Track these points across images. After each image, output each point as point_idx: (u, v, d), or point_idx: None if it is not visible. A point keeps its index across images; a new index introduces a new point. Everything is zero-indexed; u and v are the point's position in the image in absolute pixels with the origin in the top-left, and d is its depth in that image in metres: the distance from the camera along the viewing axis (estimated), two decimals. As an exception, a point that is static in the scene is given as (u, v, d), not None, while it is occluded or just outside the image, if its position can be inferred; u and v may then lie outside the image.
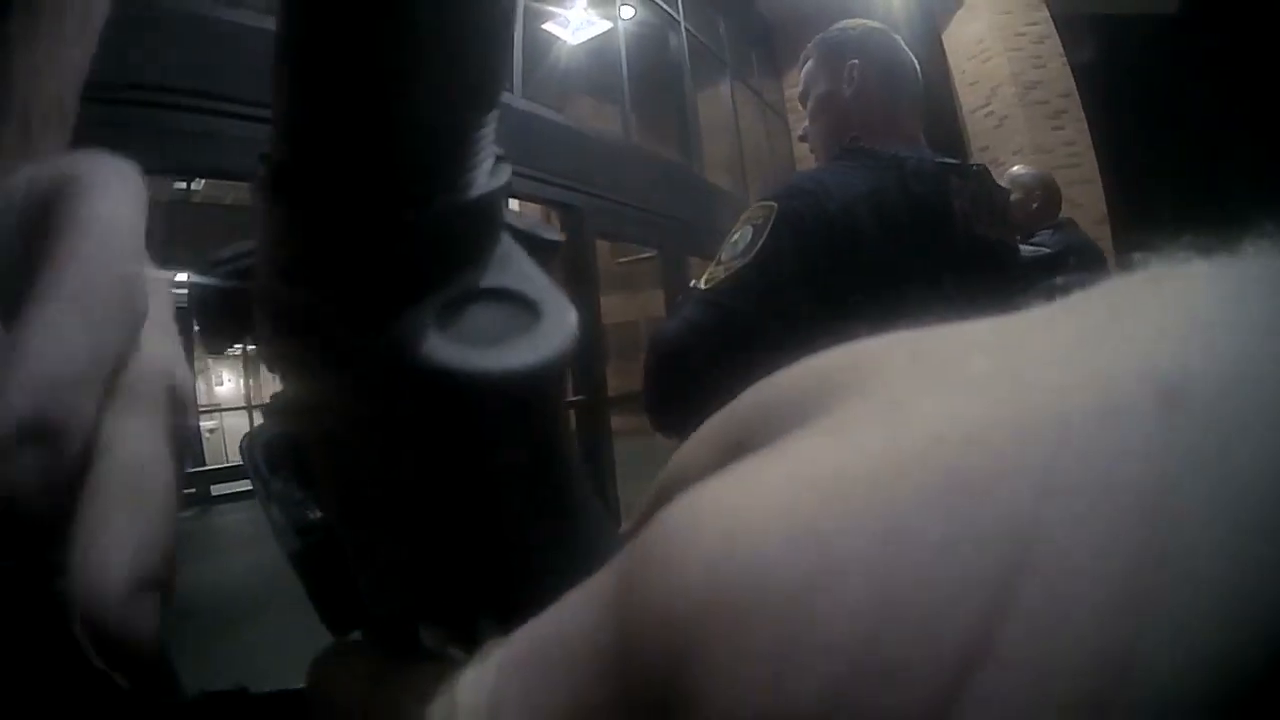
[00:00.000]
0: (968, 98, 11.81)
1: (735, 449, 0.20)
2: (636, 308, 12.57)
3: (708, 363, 1.50)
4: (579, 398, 6.86)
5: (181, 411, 0.34)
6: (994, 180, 1.84)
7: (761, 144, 12.04)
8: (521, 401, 0.27)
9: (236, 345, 0.33)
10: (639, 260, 11.30)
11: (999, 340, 0.17)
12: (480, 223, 0.29)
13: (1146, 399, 0.13)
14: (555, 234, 0.36)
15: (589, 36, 9.18)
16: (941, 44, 11.79)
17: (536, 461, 0.29)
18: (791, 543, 0.14)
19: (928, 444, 0.14)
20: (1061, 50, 11.46)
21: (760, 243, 1.50)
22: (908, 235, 1.56)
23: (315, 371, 0.30)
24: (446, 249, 0.28)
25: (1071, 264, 2.99)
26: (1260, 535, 0.12)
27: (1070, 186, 11.06)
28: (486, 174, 0.29)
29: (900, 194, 1.57)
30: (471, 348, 0.25)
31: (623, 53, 8.73)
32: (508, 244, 0.31)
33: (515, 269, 0.29)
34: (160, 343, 0.35)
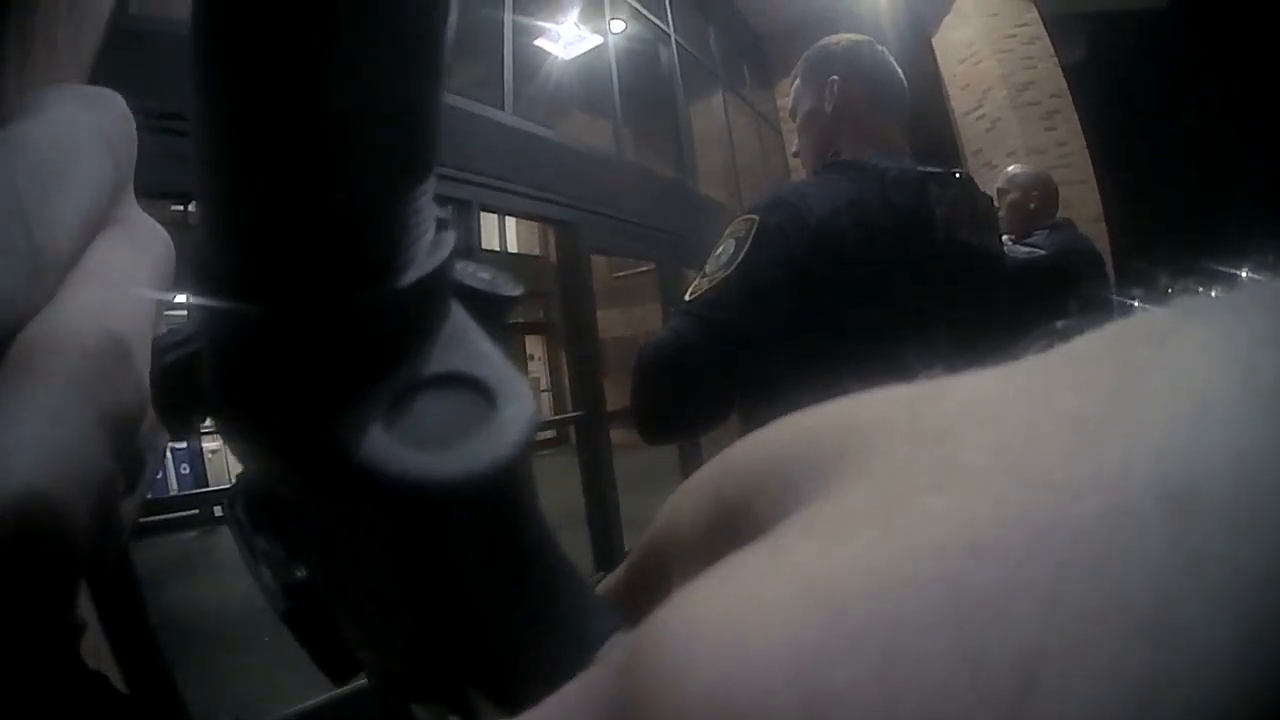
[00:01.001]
0: (959, 102, 11.84)
1: (728, 515, 0.21)
2: (634, 322, 12.53)
3: (692, 374, 1.51)
4: (578, 413, 6.90)
5: (122, 369, 0.32)
6: (977, 187, 1.85)
7: (755, 155, 12.07)
8: (479, 505, 0.26)
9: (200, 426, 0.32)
10: (636, 274, 11.29)
11: (1001, 413, 0.16)
12: (423, 304, 0.28)
13: (1155, 504, 0.13)
14: (512, 287, 0.35)
15: (580, 52, 9.18)
16: (932, 49, 11.83)
17: (501, 554, 0.29)
18: (793, 667, 0.13)
19: (931, 554, 0.14)
20: (1052, 51, 11.47)
21: (742, 255, 1.52)
22: (889, 244, 1.57)
23: (268, 465, 0.29)
24: (387, 337, 0.27)
25: (1069, 268, 2.98)
26: (1268, 646, 0.12)
27: (1064, 187, 11.02)
28: (427, 249, 0.28)
29: (881, 204, 1.58)
30: (421, 450, 0.25)
31: (614, 67, 8.73)
32: (458, 317, 0.30)
33: (467, 347, 0.29)
34: (87, 294, 0.32)
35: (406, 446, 0.25)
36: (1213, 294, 0.17)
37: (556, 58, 9.05)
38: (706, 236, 1.58)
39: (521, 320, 17.74)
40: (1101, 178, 11.16)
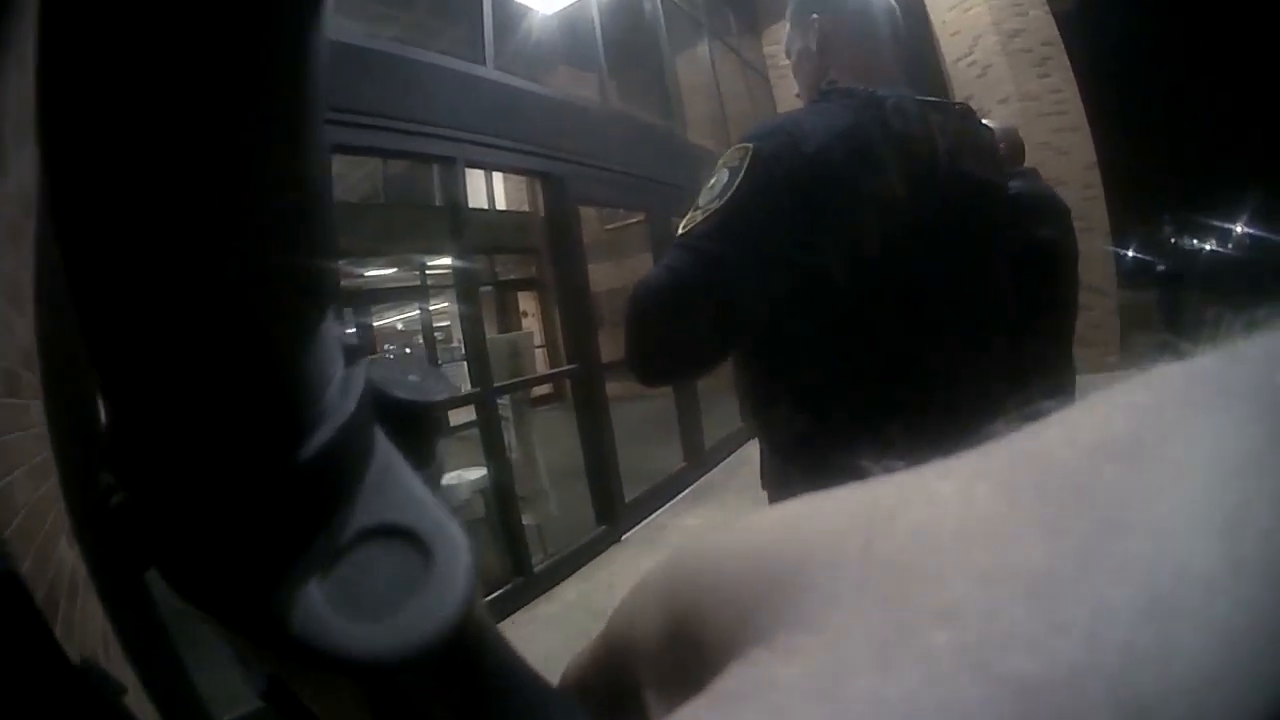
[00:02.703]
0: (950, 48, 11.79)
1: (683, 632, 0.21)
2: (627, 274, 12.46)
3: (688, 308, 1.45)
4: (572, 367, 6.86)
5: None
6: (978, 119, 1.80)
7: (744, 102, 11.94)
8: (428, 669, 0.25)
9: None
10: (627, 226, 11.31)
11: (959, 559, 0.15)
12: (344, 456, 0.27)
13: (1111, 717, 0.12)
14: (442, 389, 0.36)
15: (562, 5, 9.09)
16: (920, -4, 11.72)
17: (464, 700, 0.28)
18: None
19: None
20: (1042, -3, 11.40)
21: (735, 184, 1.45)
22: (889, 172, 1.50)
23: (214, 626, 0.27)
24: (313, 498, 0.26)
25: (1026, 212, 2.93)
26: None
27: (1058, 134, 11.36)
28: (338, 392, 0.28)
29: (880, 130, 1.52)
30: (360, 619, 0.24)
31: (597, 19, 8.66)
32: (384, 452, 0.30)
33: (397, 490, 0.28)
34: None
35: (345, 615, 0.24)
36: (1203, 370, 0.17)
37: (539, 12, 8.95)
38: (696, 184, 1.52)
39: (514, 277, 17.68)
40: (1095, 125, 11.22)
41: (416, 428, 0.34)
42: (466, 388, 5.80)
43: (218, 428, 0.24)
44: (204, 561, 0.26)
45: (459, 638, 0.25)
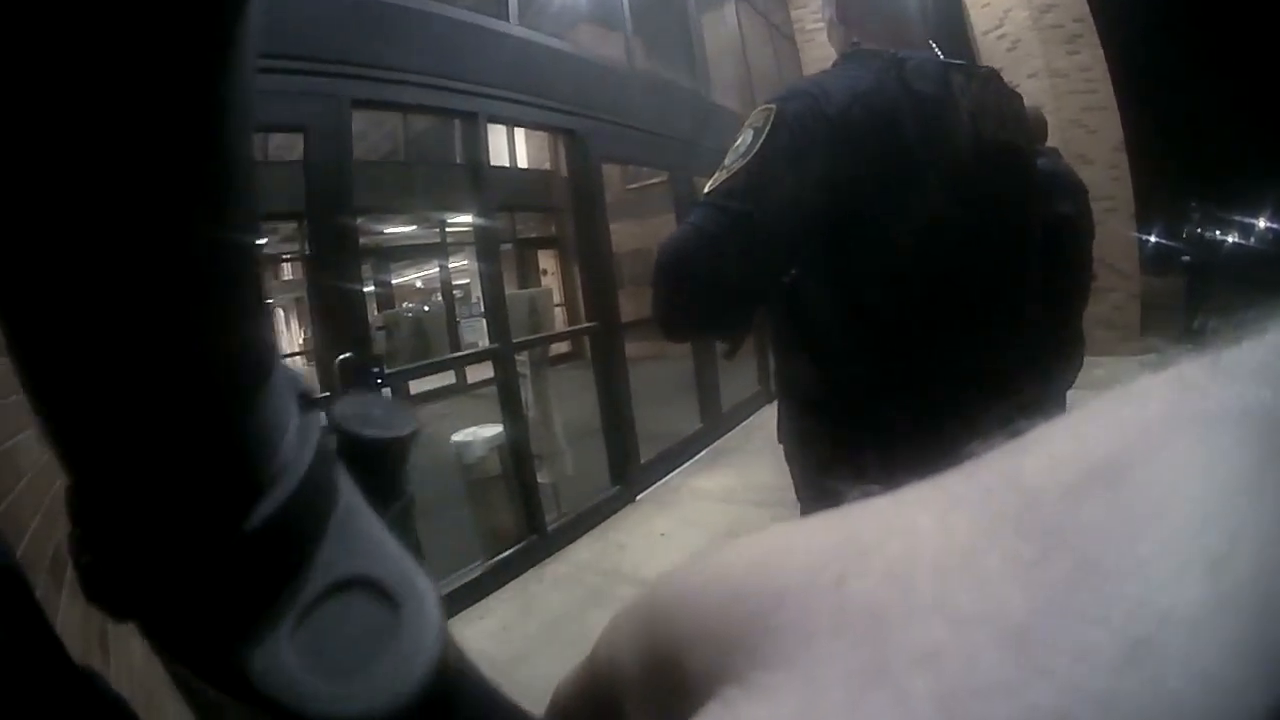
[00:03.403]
0: (980, 20, 11.66)
1: (665, 665, 0.20)
2: (649, 234, 12.38)
3: (711, 265, 1.48)
4: (592, 324, 6.84)
5: None
6: (1005, 84, 1.78)
7: (769, 64, 11.80)
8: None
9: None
10: (649, 186, 11.29)
11: (937, 599, 0.15)
12: (305, 507, 0.27)
13: None
14: (405, 424, 0.36)
15: (588, -37, 9.03)
16: (953, -34, 11.63)
17: None
18: None
19: None
20: (1077, -26, 11.25)
21: (759, 144, 1.48)
22: (910, 133, 1.51)
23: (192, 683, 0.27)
24: (276, 553, 0.26)
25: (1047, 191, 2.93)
26: None
27: (1087, 112, 11.29)
28: (294, 442, 0.28)
29: (901, 91, 1.53)
30: (330, 679, 0.24)
31: (624, -23, 8.53)
32: (346, 498, 0.30)
33: (362, 539, 0.28)
34: None
35: (316, 673, 0.24)
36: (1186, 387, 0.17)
37: (564, -31, 8.90)
38: (721, 145, 1.55)
39: (534, 235, 17.66)
40: (1123, 106, 11.15)
41: (382, 464, 0.34)
42: (485, 343, 5.78)
43: (171, 492, 0.25)
44: (172, 617, 0.26)
45: (432, 692, 0.25)
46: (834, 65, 1.71)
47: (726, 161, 1.52)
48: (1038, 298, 1.76)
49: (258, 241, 0.25)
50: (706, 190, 1.53)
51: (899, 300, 1.52)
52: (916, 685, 0.13)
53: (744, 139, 1.52)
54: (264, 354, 0.27)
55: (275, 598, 0.26)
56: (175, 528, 0.25)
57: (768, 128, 1.49)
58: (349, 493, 0.30)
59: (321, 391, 3.28)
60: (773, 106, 1.51)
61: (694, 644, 0.19)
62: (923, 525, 0.16)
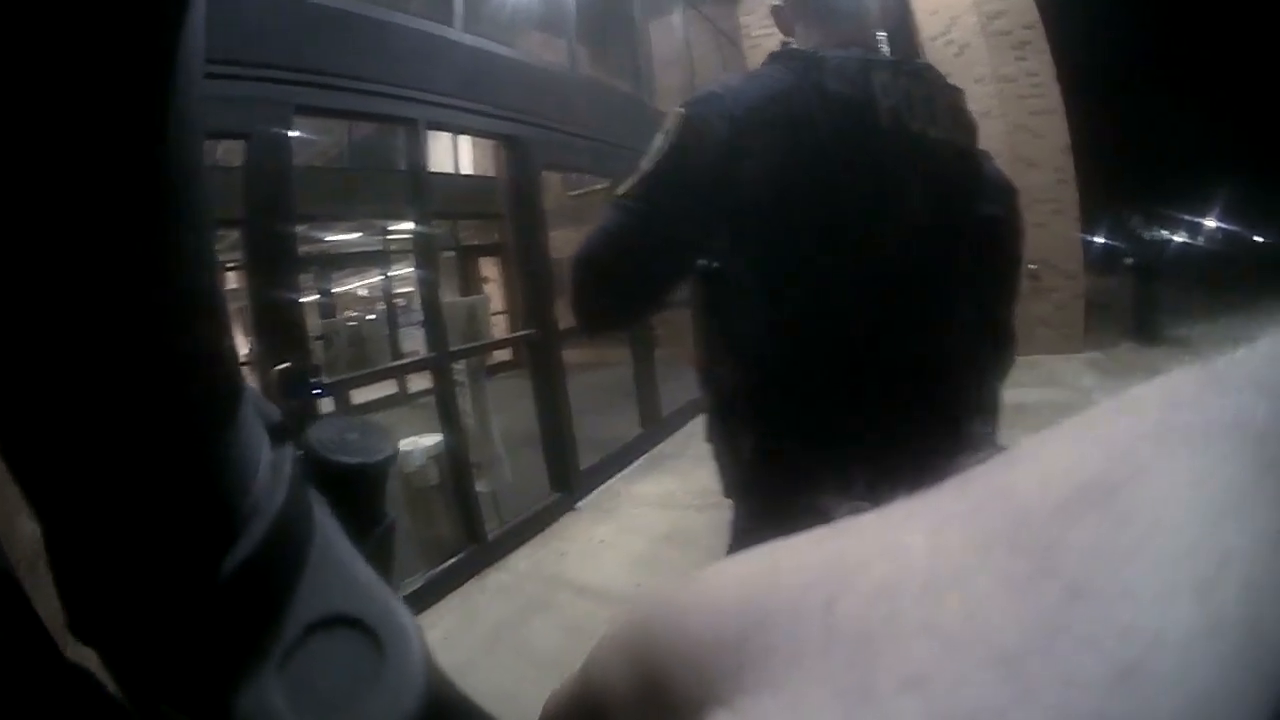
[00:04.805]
0: (927, 26, 11.81)
1: (653, 688, 0.20)
2: (587, 239, 12.01)
3: (620, 262, 1.55)
4: (530, 332, 6.81)
5: None
6: (941, 79, 1.77)
7: (716, 71, 11.76)
8: None
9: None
10: (591, 192, 11.28)
11: (925, 621, 0.15)
12: (278, 556, 0.26)
13: None
14: (384, 446, 0.36)
15: (537, -32, 9.01)
16: (899, -28, 11.76)
17: None
18: None
19: None
20: (1028, -19, 11.41)
21: (667, 146, 1.53)
22: (824, 132, 1.54)
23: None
24: (250, 601, 0.25)
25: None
26: None
27: (1034, 116, 11.49)
28: (267, 480, 0.27)
29: (815, 92, 1.55)
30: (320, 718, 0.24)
31: (570, -18, 8.52)
32: (324, 532, 0.29)
33: (338, 574, 0.28)
34: None
35: (305, 713, 0.24)
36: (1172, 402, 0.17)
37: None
38: None
39: (477, 242, 17.54)
40: (1071, 110, 11.34)
41: (361, 490, 0.34)
42: (423, 352, 5.76)
43: (143, 540, 0.24)
44: (156, 661, 0.25)
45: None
46: (760, 66, 1.71)
47: (641, 164, 1.56)
48: (968, 295, 1.78)
49: (218, 258, 0.25)
50: (619, 193, 1.57)
51: (816, 296, 1.54)
52: (904, 708, 0.13)
53: (656, 143, 1.56)
54: (231, 384, 0.26)
55: (257, 640, 0.25)
56: (150, 575, 0.24)
57: (675, 130, 1.53)
58: (326, 525, 0.29)
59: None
60: (682, 110, 1.55)
61: (682, 666, 0.19)
62: (912, 544, 0.16)
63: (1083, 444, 0.16)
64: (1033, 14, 11.37)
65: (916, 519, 0.17)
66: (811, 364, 1.55)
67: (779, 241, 1.53)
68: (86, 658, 0.29)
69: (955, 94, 1.78)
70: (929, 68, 1.76)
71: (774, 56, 1.68)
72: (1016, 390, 2.96)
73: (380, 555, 0.33)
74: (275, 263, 4.42)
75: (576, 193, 13.00)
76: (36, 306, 0.20)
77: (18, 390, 0.21)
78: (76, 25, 0.18)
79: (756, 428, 1.63)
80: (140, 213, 0.21)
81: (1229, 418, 0.15)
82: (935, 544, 0.16)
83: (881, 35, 1.80)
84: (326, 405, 4.82)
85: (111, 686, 0.31)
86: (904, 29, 11.57)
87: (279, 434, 0.29)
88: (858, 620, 0.15)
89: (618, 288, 1.60)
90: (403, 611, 0.27)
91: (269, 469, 0.27)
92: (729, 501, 1.78)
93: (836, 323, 1.55)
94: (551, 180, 8.05)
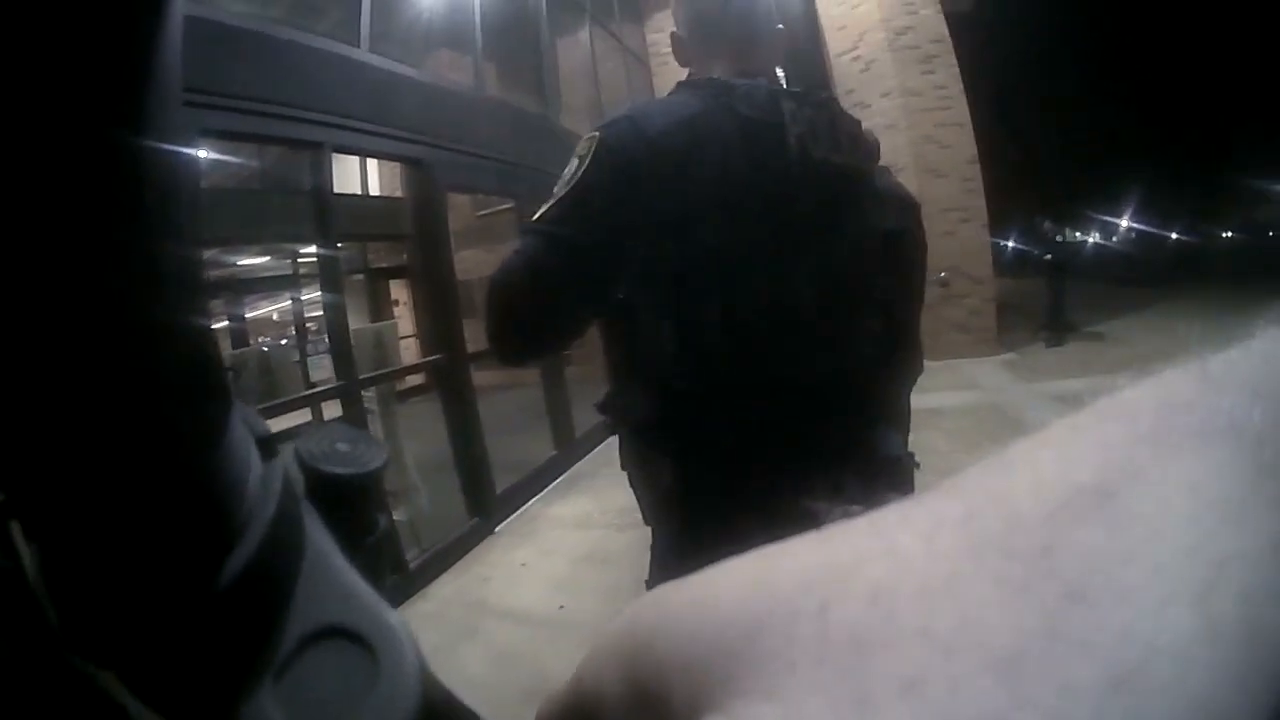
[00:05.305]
0: (835, 42, 12.07)
1: (647, 698, 0.20)
2: (498, 259, 11.86)
3: (537, 290, 1.53)
4: (438, 356, 6.74)
5: None
6: (841, 108, 1.82)
7: (623, 89, 11.95)
8: None
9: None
10: (499, 212, 11.25)
11: (920, 624, 0.15)
12: (270, 570, 0.27)
13: None
14: (376, 455, 0.36)
15: (444, -13, 8.96)
16: (809, -10, 11.95)
17: None
18: None
19: None
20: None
21: (581, 171, 1.51)
22: (736, 157, 1.56)
23: None
24: (244, 614, 0.26)
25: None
26: None
27: (941, 129, 11.79)
28: (258, 492, 0.27)
29: (727, 117, 1.57)
30: None
31: (476, 2, 8.51)
32: (316, 542, 0.29)
33: (331, 584, 0.28)
34: None
35: None
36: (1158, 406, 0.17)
37: (420, -8, 8.81)
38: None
39: (386, 265, 17.37)
40: (978, 121, 11.57)
41: (354, 500, 0.34)
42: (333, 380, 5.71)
43: (135, 555, 0.24)
44: (153, 674, 0.25)
45: None
46: (670, 94, 1.73)
47: (555, 189, 1.55)
48: (875, 310, 1.81)
49: (204, 272, 0.23)
50: (534, 218, 1.55)
51: (725, 319, 1.55)
52: (900, 713, 0.13)
53: (570, 167, 1.54)
54: (219, 398, 0.26)
55: (253, 652, 0.25)
56: (145, 589, 0.24)
57: (590, 155, 1.51)
58: (318, 536, 0.29)
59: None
60: (596, 134, 1.54)
61: (676, 673, 0.18)
62: (907, 548, 0.16)
63: (1078, 447, 0.16)
64: (941, 29, 11.71)
65: (911, 523, 0.17)
66: (725, 390, 1.55)
67: (689, 267, 1.53)
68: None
69: (855, 124, 1.81)
70: (832, 98, 1.80)
71: (682, 85, 1.70)
72: (934, 395, 2.98)
73: (375, 565, 0.32)
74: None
75: (484, 213, 12.94)
76: (23, 321, 0.20)
77: (6, 408, 0.21)
78: (54, 26, 0.18)
79: (674, 456, 1.62)
80: (127, 223, 0.21)
81: (1225, 421, 0.15)
82: (930, 548, 0.16)
83: (780, 73, 1.83)
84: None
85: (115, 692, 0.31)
86: (813, 47, 11.72)
87: (268, 446, 0.29)
88: (853, 625, 0.15)
89: (537, 320, 1.57)
90: (395, 620, 0.27)
91: (259, 482, 0.27)
92: (648, 526, 1.76)
93: (747, 347, 1.55)
94: (459, 201, 7.99)
